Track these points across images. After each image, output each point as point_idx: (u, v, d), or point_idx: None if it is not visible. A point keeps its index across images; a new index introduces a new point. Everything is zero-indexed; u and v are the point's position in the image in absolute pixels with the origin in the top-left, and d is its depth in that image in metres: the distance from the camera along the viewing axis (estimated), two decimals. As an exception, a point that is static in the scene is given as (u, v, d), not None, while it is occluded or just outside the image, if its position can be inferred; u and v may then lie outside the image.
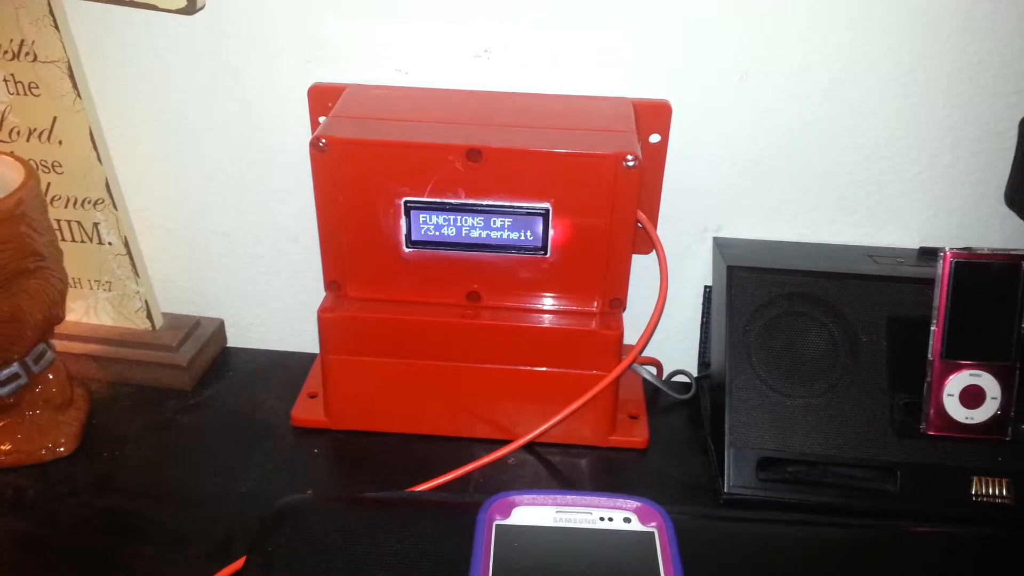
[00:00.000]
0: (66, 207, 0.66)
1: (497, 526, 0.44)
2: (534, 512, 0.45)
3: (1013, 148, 0.61)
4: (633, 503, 0.46)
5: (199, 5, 0.60)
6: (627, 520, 0.45)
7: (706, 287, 0.69)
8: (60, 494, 0.58)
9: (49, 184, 0.65)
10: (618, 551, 0.44)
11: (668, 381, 0.70)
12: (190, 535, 0.55)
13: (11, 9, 0.59)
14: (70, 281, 0.66)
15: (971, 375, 0.56)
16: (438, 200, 0.57)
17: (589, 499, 0.46)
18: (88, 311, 0.70)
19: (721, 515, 0.53)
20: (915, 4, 0.58)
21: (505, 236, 0.58)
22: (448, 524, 0.47)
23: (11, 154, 0.59)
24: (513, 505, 0.45)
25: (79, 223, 0.66)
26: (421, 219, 0.58)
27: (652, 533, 0.44)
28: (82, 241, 0.67)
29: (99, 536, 0.55)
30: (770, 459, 0.57)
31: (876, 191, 0.65)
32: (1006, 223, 0.65)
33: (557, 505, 0.46)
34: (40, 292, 0.57)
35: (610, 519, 0.45)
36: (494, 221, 0.58)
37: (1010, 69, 0.60)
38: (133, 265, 0.67)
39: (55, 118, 0.63)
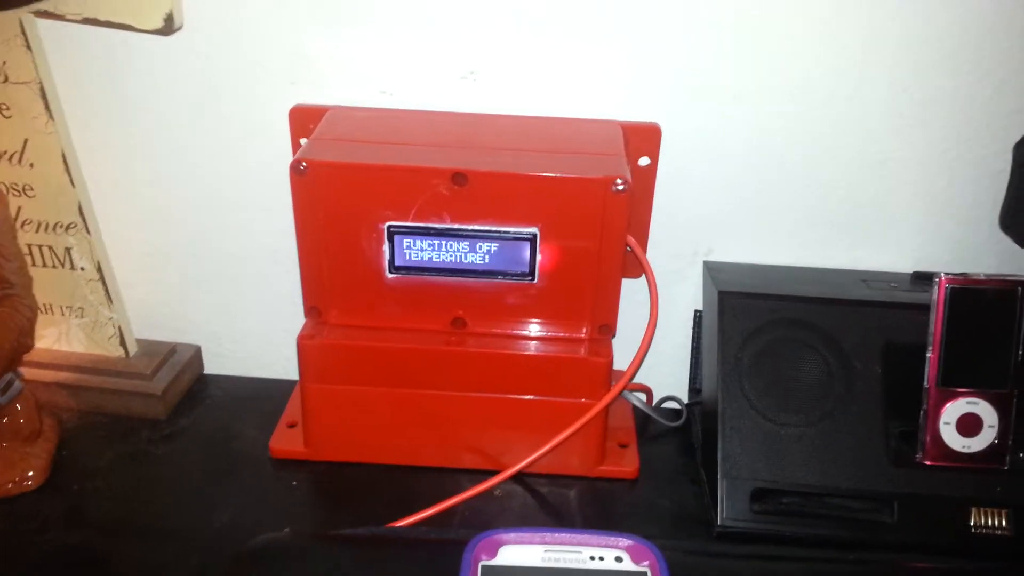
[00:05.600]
0: (37, 232, 0.64)
1: (483, 567, 0.43)
2: (522, 551, 0.44)
3: (1008, 171, 0.61)
4: (625, 541, 0.44)
5: (176, 25, 0.58)
6: (619, 559, 0.44)
7: (696, 312, 0.67)
8: (27, 529, 0.56)
9: (20, 208, 0.63)
10: (609, 592, 0.42)
11: (658, 408, 0.69)
12: (163, 572, 0.53)
13: (-19, 28, 0.58)
14: (41, 307, 0.64)
15: (968, 403, 0.55)
16: (422, 225, 0.56)
17: (579, 537, 0.44)
18: (60, 338, 0.68)
19: (715, 551, 0.51)
20: (909, 25, 0.58)
21: (491, 262, 0.57)
22: (432, 564, 0.45)
23: (-21, 177, 0.57)
24: (500, 544, 0.44)
25: (51, 248, 0.64)
26: (405, 244, 0.56)
27: (644, 573, 0.43)
28: (54, 266, 0.65)
29: (68, 573, 0.53)
30: (764, 490, 0.56)
31: (870, 214, 0.64)
32: (1001, 248, 0.64)
33: (546, 543, 0.44)
34: (8, 320, 0.56)
35: (601, 558, 0.44)
36: (480, 246, 0.56)
37: (1005, 90, 0.59)
38: (106, 291, 0.66)
39: (26, 140, 0.61)
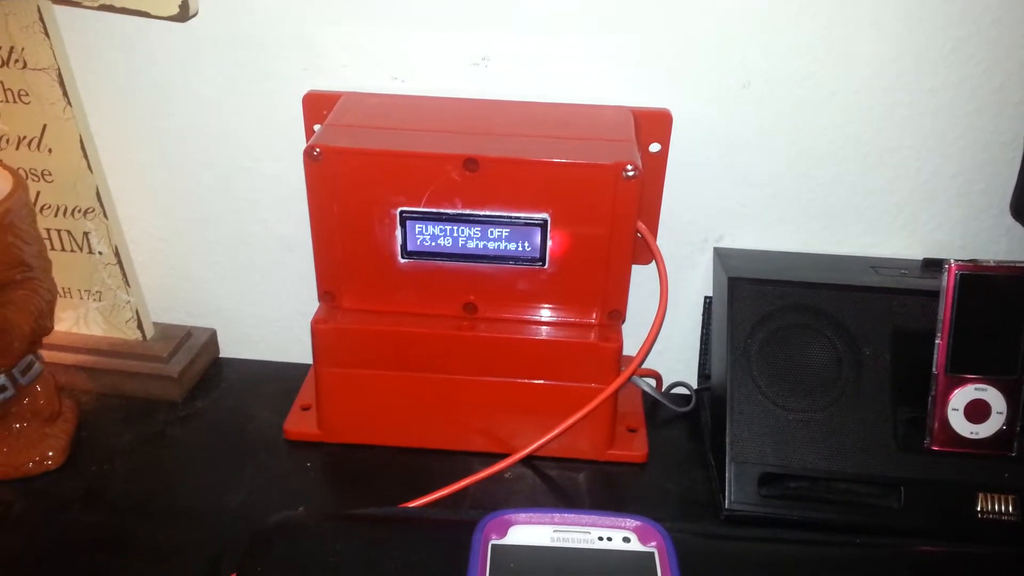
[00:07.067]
0: (56, 216, 0.65)
1: (493, 546, 0.43)
2: (531, 531, 0.44)
3: (1019, 159, 0.61)
4: (633, 522, 0.45)
5: (192, 12, 0.59)
6: (626, 540, 0.44)
7: (706, 298, 0.68)
8: (47, 509, 0.57)
9: (39, 193, 0.64)
10: (617, 572, 0.43)
11: (667, 393, 0.69)
12: (180, 551, 0.54)
13: (0, 16, 0.58)
14: (60, 291, 0.65)
15: (976, 389, 0.55)
16: (434, 210, 0.56)
17: (587, 518, 0.45)
18: (78, 321, 0.69)
19: (722, 534, 0.52)
20: (920, 13, 0.57)
21: (502, 247, 0.57)
22: (443, 543, 0.46)
23: (-1, 162, 0.58)
24: (509, 524, 0.44)
25: (69, 232, 0.65)
26: (417, 229, 0.57)
27: (652, 553, 0.43)
28: (72, 251, 0.66)
29: (87, 552, 0.54)
30: (771, 474, 0.56)
31: (879, 201, 0.64)
32: (1011, 234, 0.64)
33: (555, 524, 0.45)
34: (27, 303, 0.56)
35: (609, 539, 0.44)
36: (491, 232, 0.57)
37: (1016, 79, 0.59)
38: (124, 275, 0.66)
39: (45, 126, 0.62)
